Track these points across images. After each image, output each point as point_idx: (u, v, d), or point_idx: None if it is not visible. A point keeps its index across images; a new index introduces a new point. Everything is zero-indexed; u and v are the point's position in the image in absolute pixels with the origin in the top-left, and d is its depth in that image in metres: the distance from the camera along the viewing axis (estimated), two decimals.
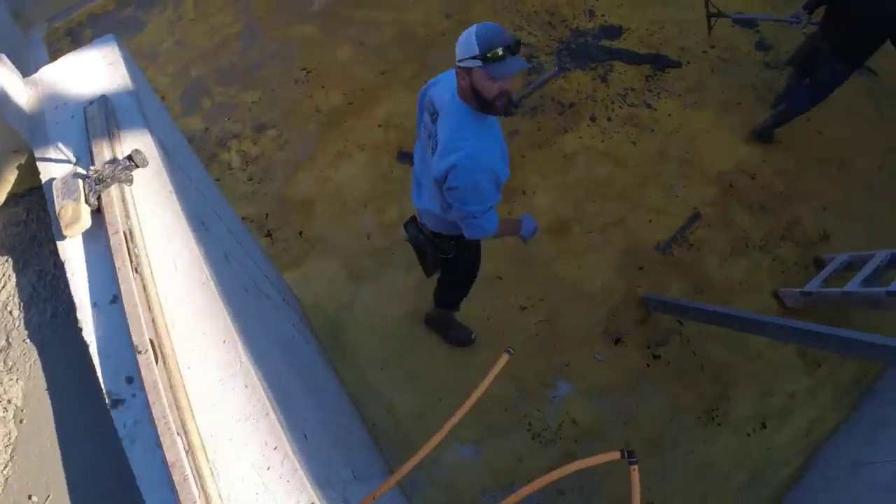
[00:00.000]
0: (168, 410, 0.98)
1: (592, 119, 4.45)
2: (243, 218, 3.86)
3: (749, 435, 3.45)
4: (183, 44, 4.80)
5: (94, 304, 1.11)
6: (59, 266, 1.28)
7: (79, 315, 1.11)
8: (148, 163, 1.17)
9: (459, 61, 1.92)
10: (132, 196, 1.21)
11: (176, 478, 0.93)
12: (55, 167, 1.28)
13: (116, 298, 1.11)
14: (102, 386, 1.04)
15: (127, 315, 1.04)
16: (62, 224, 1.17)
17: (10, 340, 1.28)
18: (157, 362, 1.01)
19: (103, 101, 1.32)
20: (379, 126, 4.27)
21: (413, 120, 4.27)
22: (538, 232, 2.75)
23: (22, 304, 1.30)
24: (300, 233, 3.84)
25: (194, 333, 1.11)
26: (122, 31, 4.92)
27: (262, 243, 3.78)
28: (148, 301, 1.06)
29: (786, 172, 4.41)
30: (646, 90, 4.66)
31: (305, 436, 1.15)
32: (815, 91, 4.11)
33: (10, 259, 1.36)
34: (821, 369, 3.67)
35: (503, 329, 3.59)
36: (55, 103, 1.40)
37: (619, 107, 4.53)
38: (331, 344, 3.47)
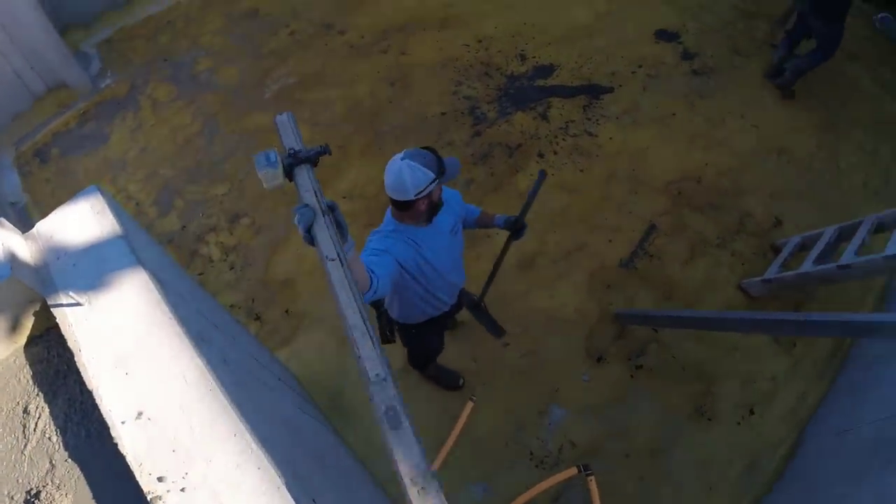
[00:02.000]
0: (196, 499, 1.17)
1: (540, 155, 4.75)
2: (230, 306, 4.05)
3: (739, 423, 3.65)
4: (148, 149, 5.03)
5: (123, 422, 1.32)
6: (85, 392, 1.49)
7: (113, 433, 1.31)
8: None
9: (418, 193, 2.09)
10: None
11: None
12: (67, 310, 1.50)
13: (141, 414, 1.31)
14: (142, 487, 1.24)
15: (155, 425, 1.26)
16: None
17: (54, 462, 1.47)
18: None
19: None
20: (344, 198, 4.53)
21: (371, 187, 4.58)
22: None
23: (58, 429, 1.50)
24: (286, 311, 4.04)
25: (210, 432, 1.31)
26: (87, 146, 5.12)
27: (253, 328, 3.96)
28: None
29: (729, 171, 4.72)
30: (585, 119, 4.99)
31: (314, 500, 1.34)
32: (817, 51, 4.84)
33: (40, 392, 1.56)
34: (797, 348, 3.92)
35: (490, 367, 3.79)
36: (56, 255, 1.62)
37: (563, 139, 4.85)
38: (333, 411, 3.64)
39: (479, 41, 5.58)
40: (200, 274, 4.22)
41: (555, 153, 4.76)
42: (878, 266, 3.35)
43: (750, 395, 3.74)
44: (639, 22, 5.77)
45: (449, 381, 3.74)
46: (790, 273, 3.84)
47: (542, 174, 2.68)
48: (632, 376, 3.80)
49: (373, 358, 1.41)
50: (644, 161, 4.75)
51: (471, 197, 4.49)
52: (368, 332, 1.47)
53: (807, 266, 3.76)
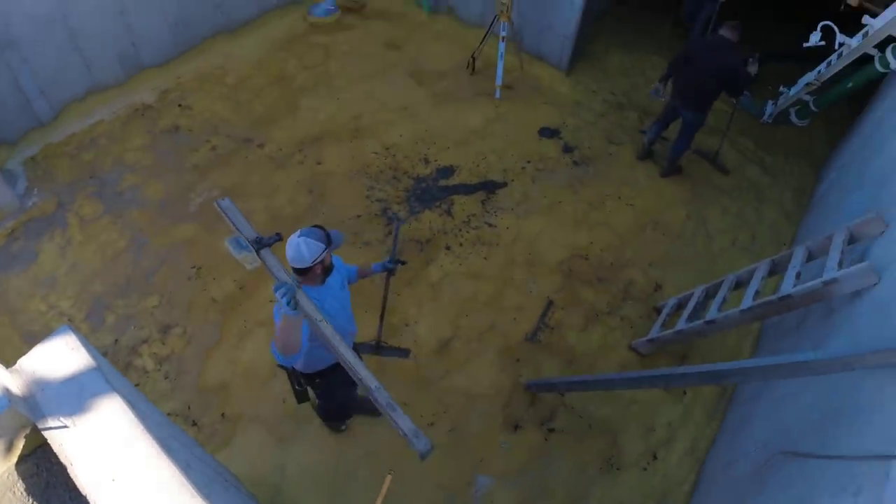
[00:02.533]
0: None
1: (447, 248, 5.33)
2: (168, 414, 4.25)
3: (645, 469, 4.18)
4: (77, 266, 5.18)
5: None
6: (73, 499, 1.79)
7: None
8: None
9: (314, 261, 2.75)
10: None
11: None
12: (56, 432, 1.82)
13: None
14: None
15: None
16: None
17: None
18: None
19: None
20: (270, 301, 4.88)
21: None
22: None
23: None
24: (223, 414, 4.28)
25: None
26: (17, 265, 5.16)
27: (191, 433, 4.17)
28: None
29: (611, 247, 5.46)
30: (484, 212, 5.65)
31: None
32: (686, 136, 5.73)
33: (34, 502, 1.85)
34: (686, 395, 4.53)
35: None
36: (41, 386, 1.92)
37: (467, 232, 5.47)
38: None
39: (387, 148, 6.23)
40: (136, 385, 4.40)
41: (460, 244, 5.36)
42: (736, 318, 4.02)
43: (651, 443, 4.28)
44: (524, 122, 6.63)
45: (334, 427, 4.20)
46: (669, 331, 4.48)
47: (399, 223, 3.82)
48: (546, 439, 4.27)
49: (369, 376, 2.34)
50: (538, 245, 5.41)
51: (388, 292, 4.95)
52: (360, 361, 2.36)
53: (681, 324, 4.43)
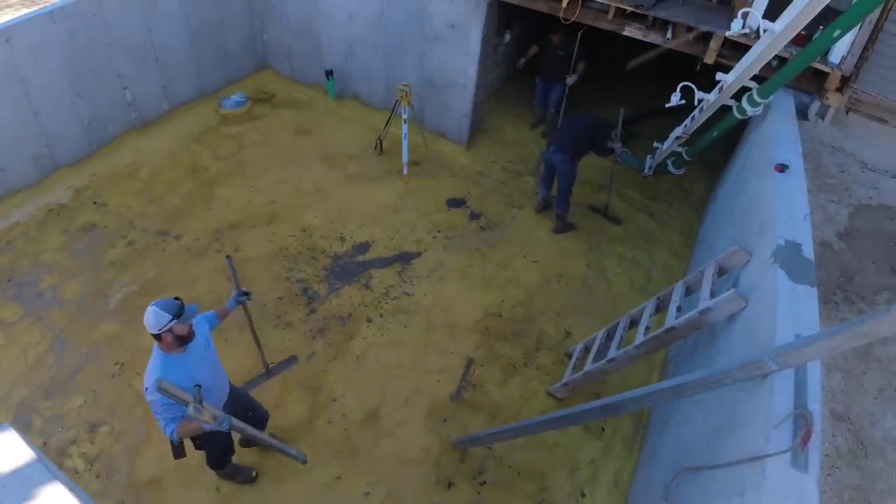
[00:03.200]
0: None
1: (369, 320, 5.61)
2: None
3: None
4: (0, 370, 5.12)
5: None
6: None
7: None
8: None
9: (160, 329, 3.10)
10: None
11: None
12: None
13: None
14: None
15: None
16: None
17: None
18: None
19: None
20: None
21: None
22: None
23: None
24: None
25: None
26: None
27: None
28: None
29: (521, 303, 5.89)
30: (402, 282, 6.00)
31: None
32: (564, 190, 6.41)
33: None
34: (605, 431, 4.89)
35: None
36: None
37: (386, 303, 5.78)
38: None
39: (304, 230, 6.54)
40: None
41: (381, 315, 5.66)
42: (632, 354, 4.44)
43: (578, 482, 4.57)
44: (432, 195, 7.14)
45: (245, 476, 4.42)
46: (579, 374, 4.88)
47: (229, 259, 4.25)
48: (479, 493, 4.48)
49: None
50: (455, 308, 5.78)
51: (313, 367, 5.18)
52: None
53: (588, 365, 4.83)
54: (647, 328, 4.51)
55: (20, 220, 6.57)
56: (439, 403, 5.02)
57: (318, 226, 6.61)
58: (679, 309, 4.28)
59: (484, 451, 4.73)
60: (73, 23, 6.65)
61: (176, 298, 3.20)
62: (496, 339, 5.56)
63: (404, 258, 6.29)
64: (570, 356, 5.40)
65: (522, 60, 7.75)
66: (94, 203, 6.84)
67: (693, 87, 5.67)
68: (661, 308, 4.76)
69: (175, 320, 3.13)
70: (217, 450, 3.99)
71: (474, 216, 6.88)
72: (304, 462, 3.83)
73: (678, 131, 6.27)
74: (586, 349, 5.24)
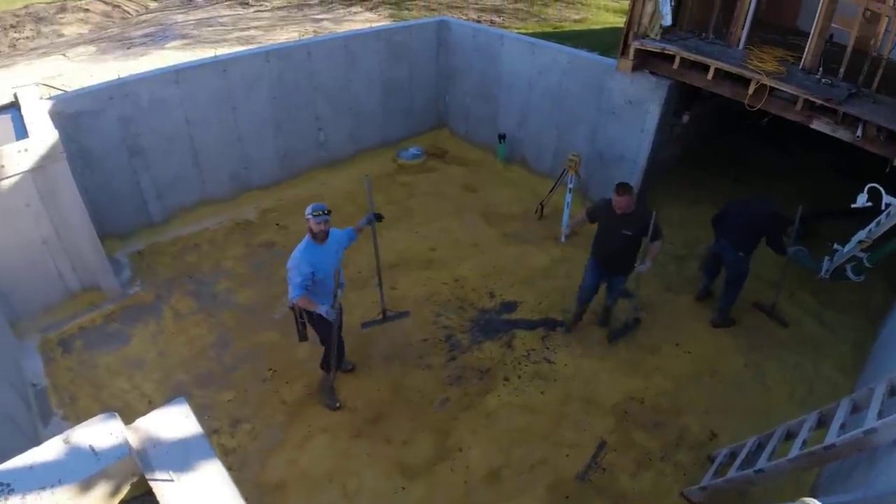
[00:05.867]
0: None
1: (506, 379, 5.55)
2: None
3: None
4: (165, 354, 5.69)
5: None
6: None
7: None
8: None
9: (306, 216, 4.54)
10: None
11: None
12: (162, 485, 2.13)
13: None
14: None
15: None
16: None
17: None
18: None
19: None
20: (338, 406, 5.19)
21: (360, 400, 5.28)
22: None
23: None
24: None
25: None
26: (110, 344, 5.72)
27: None
28: None
29: (666, 393, 5.51)
30: (544, 348, 5.89)
31: None
32: (733, 286, 6.07)
33: None
34: None
35: None
36: (153, 444, 2.27)
37: (525, 365, 5.69)
38: None
39: (456, 280, 6.71)
40: None
41: (518, 377, 5.57)
42: (783, 468, 4.00)
43: None
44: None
45: (331, 401, 5.21)
46: (720, 480, 4.44)
47: (368, 180, 5.26)
48: None
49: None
50: (595, 384, 5.55)
51: (445, 413, 5.20)
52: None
53: (732, 472, 4.40)
54: (805, 442, 4.06)
55: (210, 228, 7.44)
56: (564, 479, 4.77)
57: (470, 278, 6.76)
58: (843, 426, 3.83)
59: None
60: (284, 64, 7.61)
61: (323, 206, 4.56)
62: (634, 426, 5.22)
63: (550, 324, 6.19)
64: (712, 459, 4.93)
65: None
66: (277, 224, 7.56)
67: (881, 189, 5.24)
68: (822, 423, 4.26)
69: (311, 216, 4.49)
70: (325, 329, 4.89)
71: (627, 295, 6.63)
72: (336, 409, 5.14)
73: (861, 235, 5.75)
74: (732, 455, 4.77)
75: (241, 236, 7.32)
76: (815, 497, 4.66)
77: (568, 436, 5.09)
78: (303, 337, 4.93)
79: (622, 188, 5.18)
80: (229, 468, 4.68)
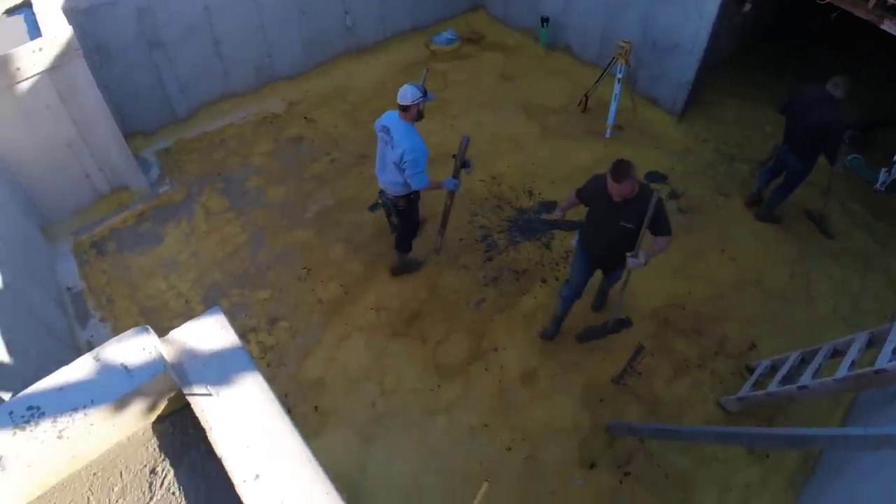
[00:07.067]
0: None
1: (543, 281, 5.44)
2: None
3: None
4: (199, 254, 5.70)
5: (244, 482, 1.87)
6: (205, 460, 2.04)
7: (236, 490, 1.87)
8: None
9: (413, 101, 4.32)
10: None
11: None
12: (201, 399, 2.09)
13: (258, 476, 1.87)
14: None
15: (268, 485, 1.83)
16: None
17: None
18: None
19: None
20: (371, 309, 5.18)
21: (395, 300, 5.24)
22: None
23: (181, 486, 2.04)
24: (315, 408, 4.57)
25: (309, 492, 1.88)
26: (143, 244, 5.74)
27: None
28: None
29: (709, 300, 5.37)
30: None
31: None
32: (787, 185, 5.73)
33: (167, 459, 2.12)
34: (769, 459, 4.38)
35: (494, 468, 4.26)
36: (189, 356, 2.21)
37: (563, 267, 5.55)
38: (353, 502, 4.08)
39: (493, 177, 6.45)
40: None
41: (556, 279, 5.45)
42: (829, 387, 3.91)
43: (725, 503, 4.16)
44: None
45: (416, 265, 5.54)
46: (760, 392, 4.39)
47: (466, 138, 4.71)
48: (620, 482, 4.25)
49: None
50: (635, 289, 5.35)
51: (482, 315, 5.16)
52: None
53: (773, 386, 4.32)
54: (853, 363, 3.92)
55: (236, 122, 7.19)
56: (599, 382, 4.77)
57: (508, 175, 6.49)
58: (895, 351, 3.64)
59: (635, 443, 4.45)
60: None
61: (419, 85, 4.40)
62: (674, 332, 5.13)
63: None
64: (751, 370, 4.85)
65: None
66: (305, 118, 7.28)
67: None
68: (872, 344, 4.09)
69: (424, 98, 4.37)
70: (415, 224, 5.20)
71: (674, 195, 6.33)
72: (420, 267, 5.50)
73: None
74: (773, 368, 4.68)
75: (269, 130, 7.09)
76: (846, 424, 4.59)
77: (604, 340, 5.02)
78: (395, 228, 5.13)
79: (620, 169, 3.71)
80: (268, 365, 4.82)
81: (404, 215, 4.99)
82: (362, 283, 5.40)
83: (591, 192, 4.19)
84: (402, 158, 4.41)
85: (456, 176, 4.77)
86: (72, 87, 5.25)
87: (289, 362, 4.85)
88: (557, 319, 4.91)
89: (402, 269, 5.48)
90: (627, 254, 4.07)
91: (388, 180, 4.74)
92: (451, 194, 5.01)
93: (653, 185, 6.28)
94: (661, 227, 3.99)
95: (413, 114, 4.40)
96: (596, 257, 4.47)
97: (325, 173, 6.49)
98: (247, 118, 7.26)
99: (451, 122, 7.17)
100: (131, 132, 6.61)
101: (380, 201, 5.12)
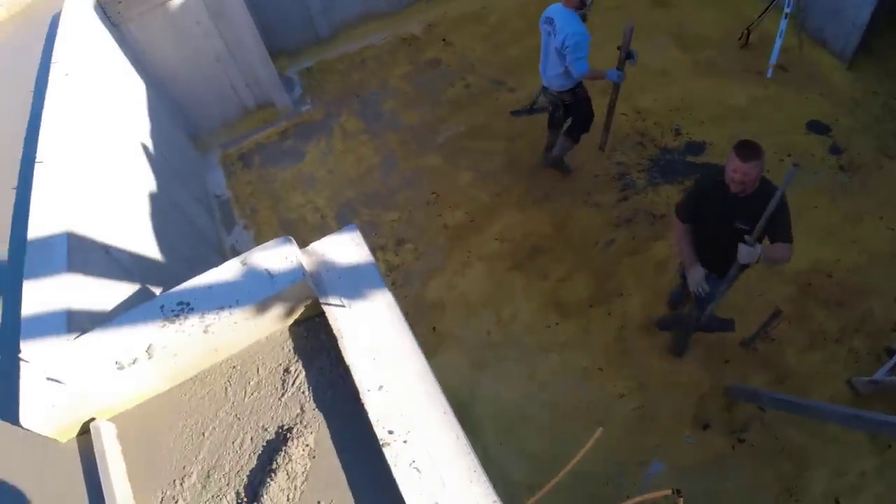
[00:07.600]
0: None
1: None
2: None
3: None
4: (335, 172, 5.96)
5: (368, 391, 1.98)
6: (334, 366, 2.18)
7: (361, 398, 1.98)
8: None
9: None
10: None
11: None
12: (334, 309, 2.21)
13: (382, 387, 1.97)
14: (376, 435, 1.89)
15: (391, 396, 1.94)
16: None
17: (304, 409, 2.15)
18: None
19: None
20: (495, 240, 5.18)
21: (519, 233, 5.19)
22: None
23: (311, 387, 2.19)
24: (433, 328, 4.74)
25: (427, 406, 1.95)
26: (285, 160, 6.12)
27: None
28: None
29: (859, 269, 4.82)
30: None
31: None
32: None
33: (299, 360, 2.28)
34: (890, 450, 4.01)
35: (604, 413, 4.23)
36: (326, 268, 2.33)
37: None
38: (461, 422, 4.24)
39: (638, 112, 6.06)
40: None
41: None
42: None
43: (837, 487, 3.89)
44: (792, 110, 5.95)
45: (566, 166, 5.55)
46: (893, 378, 3.99)
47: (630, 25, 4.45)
48: (733, 447, 4.07)
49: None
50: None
51: (609, 257, 4.99)
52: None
53: None
54: None
55: (375, 44, 7.24)
56: (727, 343, 4.50)
57: (654, 111, 6.06)
58: None
59: (754, 410, 4.21)
60: None
61: None
62: (815, 300, 4.68)
63: None
64: (891, 353, 4.36)
65: None
66: (443, 41, 7.18)
67: None
68: None
69: None
70: (586, 116, 5.06)
71: (835, 150, 5.62)
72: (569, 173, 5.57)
73: None
74: None
75: (407, 53, 7.07)
76: None
77: (739, 300, 4.70)
78: (557, 125, 5.22)
79: (750, 146, 3.13)
80: (392, 283, 5.01)
81: (572, 110, 5.02)
82: (488, 212, 5.40)
83: (697, 196, 3.53)
84: (563, 44, 4.41)
85: (620, 67, 4.63)
86: (220, 5, 5.52)
87: (412, 283, 5.02)
88: (673, 320, 4.47)
89: (557, 163, 5.51)
90: (741, 242, 3.23)
91: (552, 74, 4.75)
92: (616, 88, 4.85)
93: (812, 136, 5.66)
94: (781, 230, 3.23)
95: (576, 1, 4.37)
96: (704, 264, 3.68)
97: (459, 98, 6.43)
98: (386, 39, 7.29)
99: (593, 52, 6.73)
100: (276, 52, 6.84)
101: (537, 104, 5.35)
